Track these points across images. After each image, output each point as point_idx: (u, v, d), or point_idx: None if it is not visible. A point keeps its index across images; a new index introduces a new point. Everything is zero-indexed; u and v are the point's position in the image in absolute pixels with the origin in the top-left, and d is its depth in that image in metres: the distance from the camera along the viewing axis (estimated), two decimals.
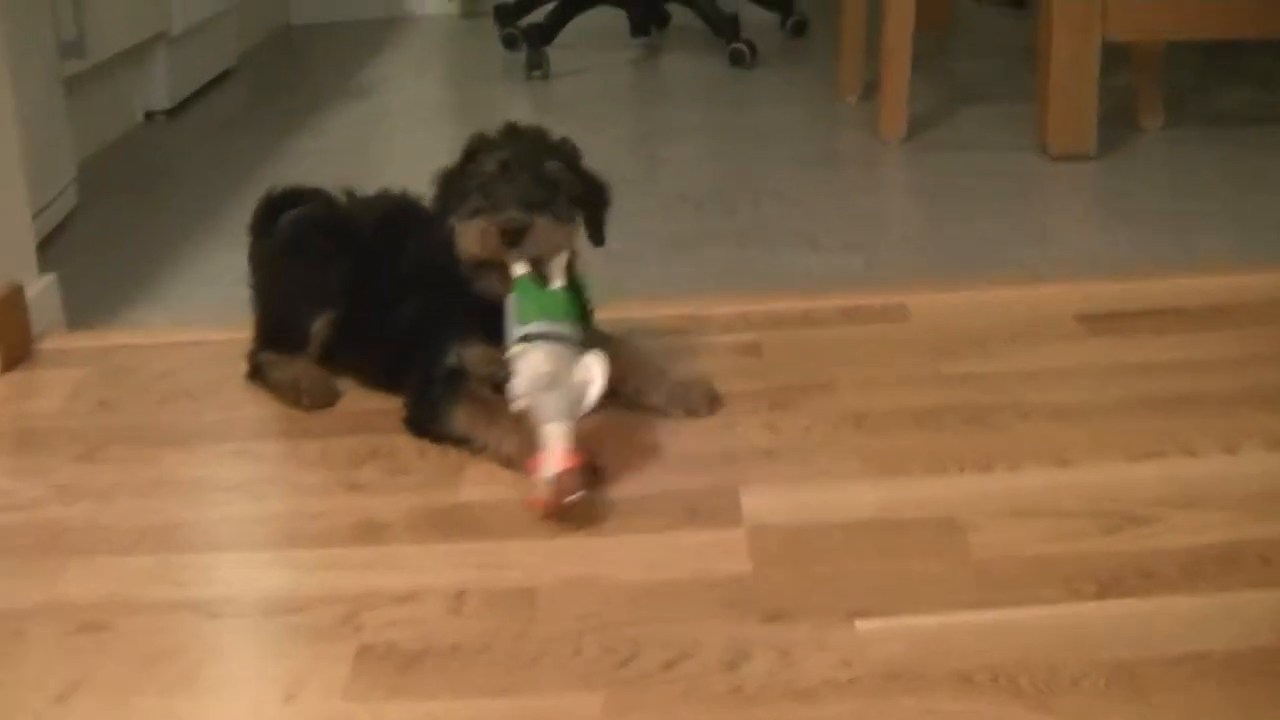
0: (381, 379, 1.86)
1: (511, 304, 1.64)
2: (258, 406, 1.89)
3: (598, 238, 1.79)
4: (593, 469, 1.57)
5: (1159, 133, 3.09)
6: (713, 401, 1.81)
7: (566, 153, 1.76)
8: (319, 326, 1.88)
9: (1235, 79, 3.59)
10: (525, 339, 1.60)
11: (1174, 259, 2.34)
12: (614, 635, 1.34)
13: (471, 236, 1.69)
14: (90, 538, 1.57)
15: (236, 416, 1.87)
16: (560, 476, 1.49)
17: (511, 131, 1.76)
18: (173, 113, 3.69)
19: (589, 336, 1.68)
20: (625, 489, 1.61)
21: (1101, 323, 2.02)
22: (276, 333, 1.91)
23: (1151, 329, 2.00)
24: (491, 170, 1.70)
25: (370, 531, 1.56)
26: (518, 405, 1.56)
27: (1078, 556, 1.44)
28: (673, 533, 1.53)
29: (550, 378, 1.55)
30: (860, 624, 1.34)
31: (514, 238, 1.66)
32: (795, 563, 1.45)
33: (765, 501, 1.57)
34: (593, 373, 1.56)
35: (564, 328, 1.62)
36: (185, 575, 1.49)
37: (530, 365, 1.56)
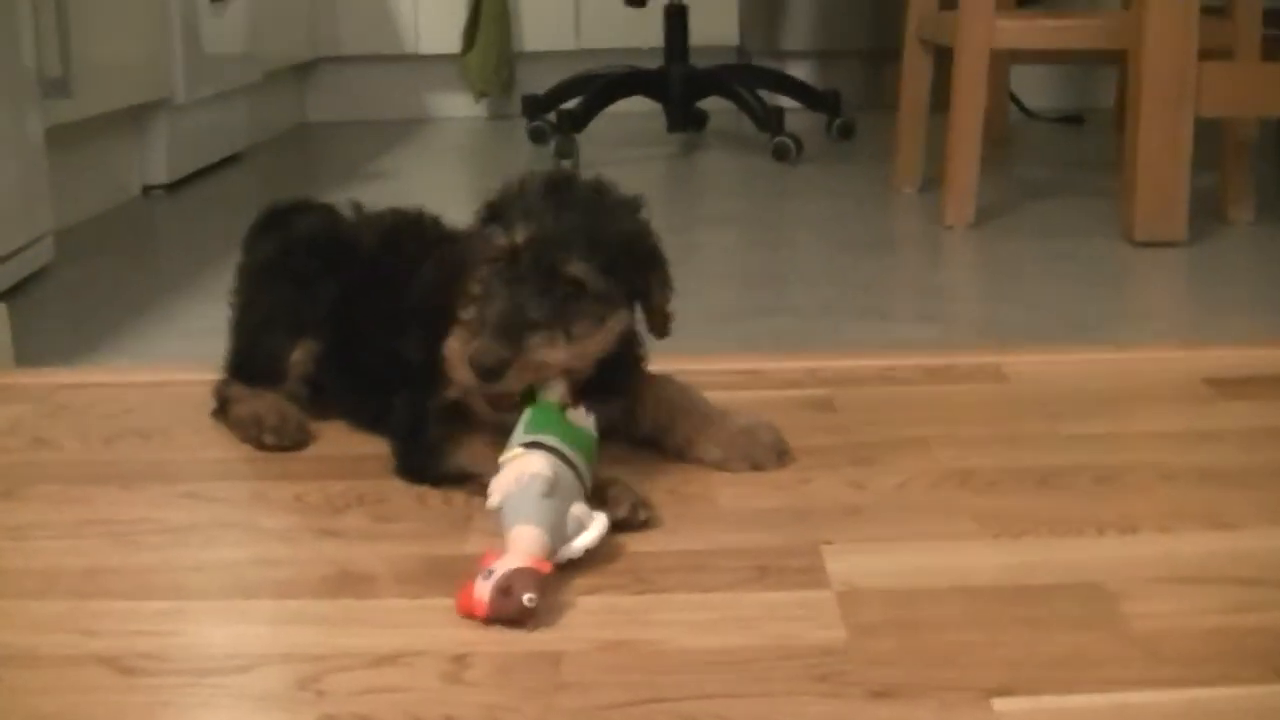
0: (373, 420, 1.51)
1: (526, 415, 1.29)
2: (222, 449, 1.55)
3: (659, 329, 1.43)
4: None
5: (1248, 226, 2.77)
6: (782, 454, 1.46)
7: (622, 227, 1.39)
8: (298, 357, 1.55)
9: None
10: (532, 445, 1.24)
11: None
12: (667, 712, 1.00)
13: (452, 362, 1.32)
14: None
15: (194, 458, 1.53)
16: (512, 574, 1.12)
17: (552, 187, 1.38)
18: (172, 188, 3.39)
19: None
20: (671, 542, 1.27)
21: (1234, 387, 1.71)
22: (248, 362, 1.58)
23: None
24: (496, 257, 1.33)
25: (347, 583, 1.21)
26: (493, 501, 1.21)
27: (1271, 630, 1.11)
28: (739, 593, 1.18)
29: (547, 484, 1.19)
30: (1000, 704, 0.99)
31: (486, 375, 1.29)
32: (903, 631, 1.11)
33: (856, 562, 1.23)
34: (590, 522, 1.21)
35: (579, 460, 1.26)
36: (100, 624, 1.15)
37: (526, 465, 1.21)
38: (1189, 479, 1.42)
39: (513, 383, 1.29)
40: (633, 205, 1.42)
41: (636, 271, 1.39)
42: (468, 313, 1.33)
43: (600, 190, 1.40)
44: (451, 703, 1.01)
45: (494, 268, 1.33)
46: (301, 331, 1.57)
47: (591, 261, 1.33)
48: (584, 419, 1.30)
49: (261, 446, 1.52)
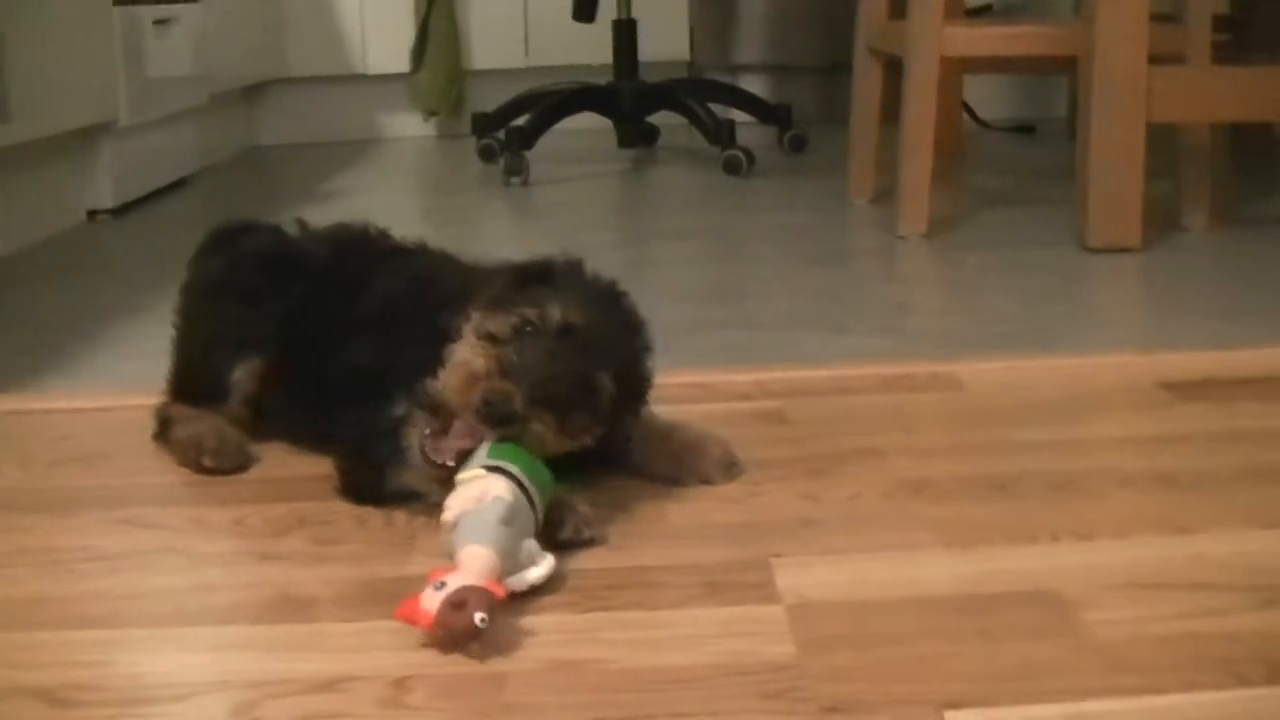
0: (319, 438, 1.48)
1: (487, 444, 1.26)
2: (162, 474, 1.52)
3: (611, 440, 1.40)
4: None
5: (1203, 232, 2.75)
6: (731, 467, 1.44)
7: (638, 356, 1.40)
8: (240, 375, 1.51)
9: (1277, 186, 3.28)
10: (495, 469, 1.21)
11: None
12: None
13: (466, 364, 1.29)
14: None
15: (134, 483, 1.50)
16: (468, 590, 1.08)
17: (596, 288, 1.40)
18: (118, 213, 3.34)
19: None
20: (620, 558, 1.24)
21: (1191, 391, 1.70)
22: (189, 381, 1.55)
23: (1252, 396, 1.69)
24: (539, 323, 1.31)
25: (287, 608, 1.18)
26: (448, 516, 1.17)
27: (1230, 635, 1.08)
28: (689, 609, 1.15)
29: (508, 509, 1.16)
30: (954, 716, 0.96)
31: (492, 415, 1.26)
32: (856, 645, 1.08)
33: (808, 576, 1.21)
34: (541, 559, 1.17)
35: (536, 496, 1.22)
36: (32, 656, 1.11)
37: (489, 487, 1.18)
38: (1146, 484, 1.41)
39: (503, 435, 1.26)
40: (647, 335, 1.41)
41: (627, 402, 1.38)
42: (485, 342, 1.30)
43: (630, 310, 1.41)
44: None
45: (527, 325, 1.30)
46: (244, 349, 1.53)
47: (613, 382, 1.32)
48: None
49: (201, 470, 1.49)
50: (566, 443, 1.31)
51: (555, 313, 1.31)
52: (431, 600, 1.07)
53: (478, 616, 1.05)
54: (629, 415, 1.39)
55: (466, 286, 1.39)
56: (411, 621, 1.08)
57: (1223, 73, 2.71)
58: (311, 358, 1.50)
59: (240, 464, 1.50)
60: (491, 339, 1.31)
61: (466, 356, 1.30)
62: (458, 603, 1.06)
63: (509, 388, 1.25)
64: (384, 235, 1.59)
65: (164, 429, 1.55)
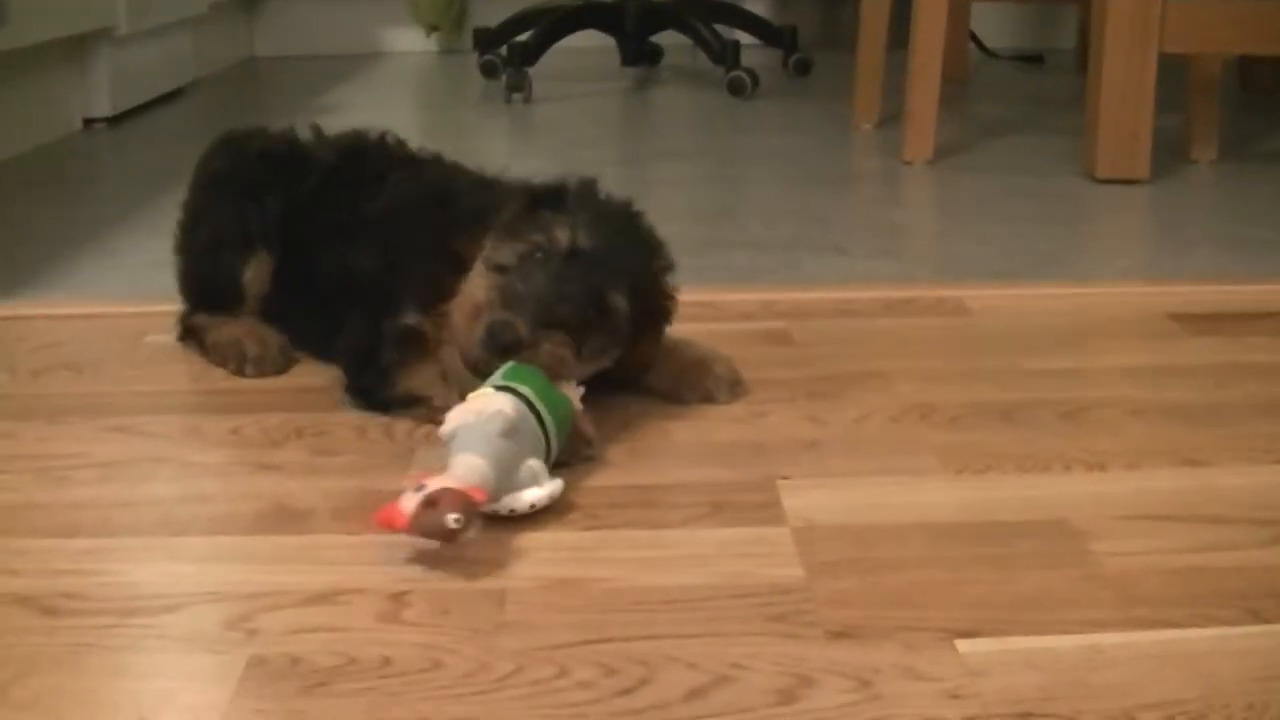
0: (320, 340, 1.45)
1: (506, 366, 1.23)
2: (157, 382, 1.49)
3: (632, 367, 1.39)
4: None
5: (1211, 164, 2.71)
6: (736, 386, 1.41)
7: (659, 281, 1.39)
8: (251, 274, 1.48)
9: None
10: (505, 389, 1.18)
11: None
12: (615, 653, 0.95)
13: (463, 310, 1.27)
14: None
15: (127, 390, 1.47)
16: (442, 491, 1.06)
17: (609, 208, 1.37)
18: (114, 121, 3.29)
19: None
20: (623, 476, 1.22)
21: (1202, 323, 1.67)
22: (202, 285, 1.52)
23: (1262, 330, 1.67)
24: (548, 246, 1.28)
25: (282, 519, 1.16)
26: (445, 429, 1.14)
27: (1243, 569, 1.06)
28: (692, 529, 1.12)
29: (507, 423, 1.12)
30: (965, 646, 0.94)
31: (495, 346, 1.23)
32: (863, 570, 1.06)
33: (814, 498, 1.18)
34: (544, 481, 1.14)
35: (550, 422, 1.19)
36: (20, 563, 1.09)
37: (490, 401, 1.15)
38: (1158, 415, 1.38)
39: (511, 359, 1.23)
40: (666, 255, 1.39)
41: (647, 320, 1.36)
42: (493, 274, 1.28)
43: (647, 230, 1.38)
44: (388, 643, 0.96)
45: (536, 252, 1.28)
46: (251, 245, 1.50)
47: (627, 301, 1.30)
48: (572, 389, 1.25)
49: (242, 374, 1.47)
50: (587, 366, 1.29)
51: (564, 236, 1.28)
52: (410, 501, 1.04)
53: (450, 517, 1.02)
54: (651, 336, 1.36)
55: (479, 208, 1.36)
56: (389, 525, 1.05)
57: (1236, 4, 2.65)
58: (315, 259, 1.46)
59: (283, 368, 1.48)
60: (501, 270, 1.27)
61: (471, 289, 1.26)
62: (431, 501, 1.04)
63: (508, 316, 1.22)
64: (400, 144, 1.56)
65: (194, 335, 1.52)
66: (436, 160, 1.53)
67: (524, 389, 1.18)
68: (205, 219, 1.54)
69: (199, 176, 1.58)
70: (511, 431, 1.13)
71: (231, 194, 1.51)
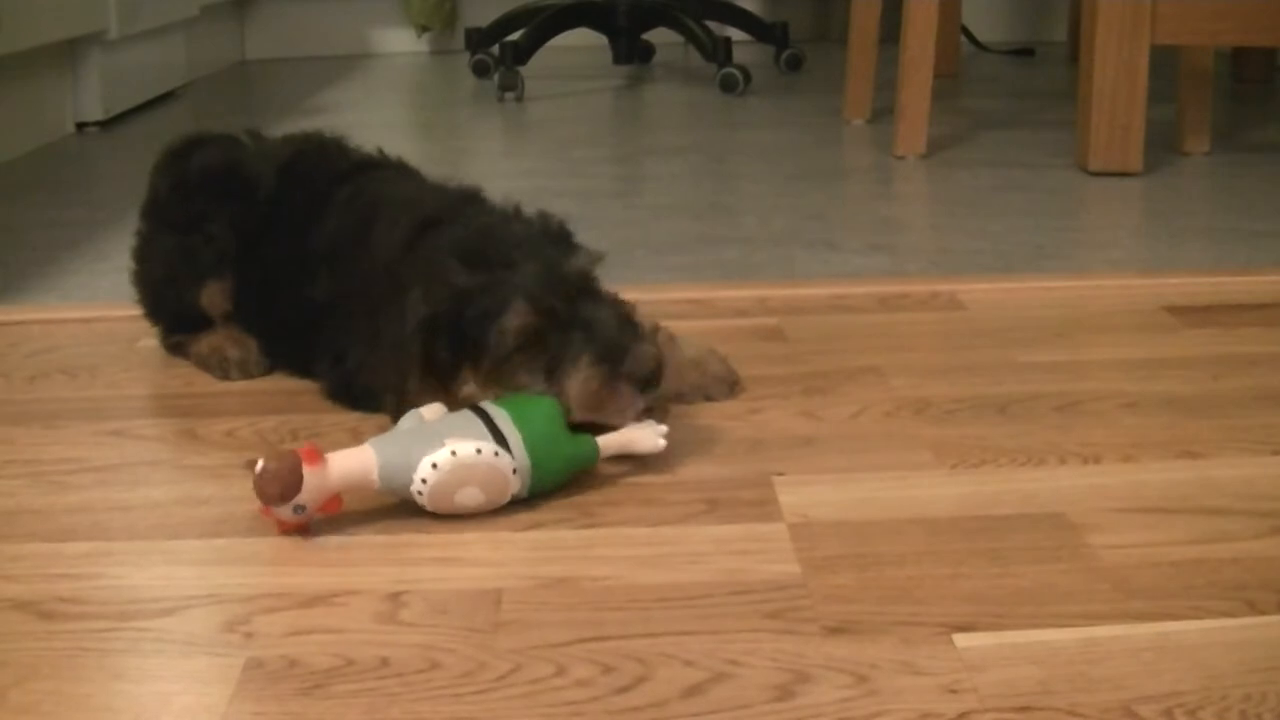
0: (301, 365, 1.45)
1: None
2: (152, 386, 1.49)
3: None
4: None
5: (1204, 157, 2.71)
6: (733, 384, 1.41)
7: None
8: (209, 299, 1.48)
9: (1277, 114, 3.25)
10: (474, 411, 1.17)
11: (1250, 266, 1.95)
12: (613, 651, 0.95)
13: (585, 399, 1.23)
14: None
15: (122, 394, 1.47)
16: (285, 455, 1.08)
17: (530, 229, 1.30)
18: (107, 125, 3.29)
19: None
20: (614, 475, 1.21)
21: (1196, 315, 1.67)
22: (168, 316, 1.53)
23: (1257, 321, 1.66)
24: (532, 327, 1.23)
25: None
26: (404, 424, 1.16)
27: (1240, 561, 1.06)
28: (688, 526, 1.12)
29: (416, 418, 1.16)
30: (962, 640, 0.94)
31: (651, 383, 1.23)
32: (860, 565, 1.06)
33: (810, 494, 1.18)
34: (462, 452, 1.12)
35: (509, 422, 1.16)
36: (17, 568, 1.09)
37: (455, 423, 1.15)
38: (1153, 407, 1.38)
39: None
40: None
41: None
42: (536, 364, 1.23)
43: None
44: (386, 643, 0.96)
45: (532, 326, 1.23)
46: (201, 277, 1.49)
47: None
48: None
49: (227, 378, 1.48)
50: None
51: (525, 317, 1.22)
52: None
53: (258, 464, 1.06)
54: None
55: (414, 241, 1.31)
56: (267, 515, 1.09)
57: None
58: (271, 285, 1.46)
59: (267, 368, 1.50)
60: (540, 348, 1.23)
61: (572, 384, 1.22)
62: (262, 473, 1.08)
63: (642, 348, 1.22)
64: (341, 150, 1.53)
65: (178, 350, 1.52)
66: (377, 169, 1.51)
67: (491, 408, 1.17)
68: (153, 253, 1.53)
69: (145, 203, 1.57)
70: (420, 420, 1.15)
71: (173, 227, 1.51)
